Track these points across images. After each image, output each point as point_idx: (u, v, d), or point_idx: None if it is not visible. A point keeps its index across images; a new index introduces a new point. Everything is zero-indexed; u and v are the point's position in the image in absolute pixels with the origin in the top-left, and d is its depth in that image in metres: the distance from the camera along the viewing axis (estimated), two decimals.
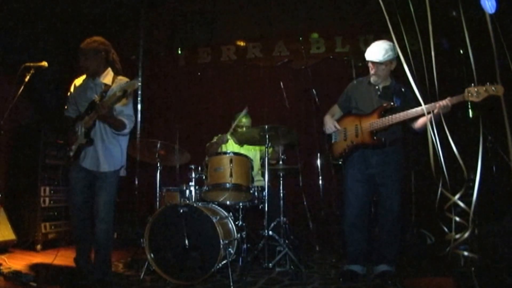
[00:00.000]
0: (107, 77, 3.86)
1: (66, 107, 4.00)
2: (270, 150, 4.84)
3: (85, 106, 3.76)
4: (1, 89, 5.52)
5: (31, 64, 3.87)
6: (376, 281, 3.92)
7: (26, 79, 3.84)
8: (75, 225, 3.80)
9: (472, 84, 3.46)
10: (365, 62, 4.24)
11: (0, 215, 5.25)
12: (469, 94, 3.47)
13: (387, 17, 2.51)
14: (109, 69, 3.92)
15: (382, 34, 5.79)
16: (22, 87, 3.83)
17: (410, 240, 5.02)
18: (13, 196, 5.76)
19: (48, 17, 6.17)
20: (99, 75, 3.86)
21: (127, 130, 3.78)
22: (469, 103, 4.72)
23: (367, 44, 5.92)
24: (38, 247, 5.45)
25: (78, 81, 3.97)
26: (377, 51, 4.06)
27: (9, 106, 3.77)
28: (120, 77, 3.88)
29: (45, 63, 3.91)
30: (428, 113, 3.66)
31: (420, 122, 3.95)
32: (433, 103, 3.65)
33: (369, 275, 4.09)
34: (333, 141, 4.33)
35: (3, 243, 5.11)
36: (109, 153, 3.76)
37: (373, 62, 4.12)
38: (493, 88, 3.41)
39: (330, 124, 4.32)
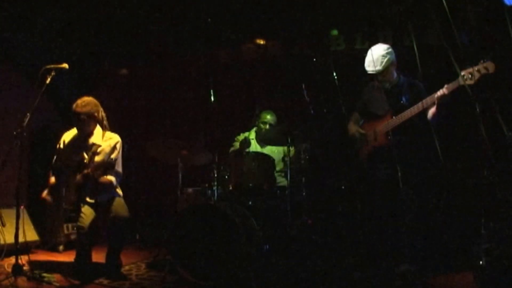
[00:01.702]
0: (97, 135, 4.22)
1: (54, 159, 4.34)
2: (292, 150, 4.81)
3: (75, 162, 4.10)
4: (23, 91, 5.58)
5: (52, 66, 3.90)
6: (398, 280, 3.88)
7: (47, 81, 3.87)
8: (84, 233, 4.09)
9: (469, 68, 3.47)
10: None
11: (23, 216, 5.26)
12: (464, 78, 3.46)
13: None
14: (98, 126, 4.25)
15: (400, 30, 5.75)
16: (43, 89, 3.85)
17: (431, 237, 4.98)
18: (35, 197, 5.79)
19: (69, 19, 6.18)
20: (91, 135, 4.20)
21: (113, 187, 4.16)
22: None
23: (387, 40, 5.93)
24: (61, 248, 5.46)
25: (68, 136, 4.33)
26: (373, 62, 4.09)
27: (31, 107, 3.79)
28: (108, 133, 4.27)
29: (65, 65, 3.94)
30: (430, 107, 3.85)
31: (429, 115, 3.98)
32: (431, 95, 3.76)
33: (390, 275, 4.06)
34: (357, 147, 4.44)
35: (26, 244, 5.13)
36: (111, 185, 4.14)
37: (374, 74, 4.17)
38: (484, 66, 3.42)
39: (353, 130, 4.46)
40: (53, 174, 4.32)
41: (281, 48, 6.67)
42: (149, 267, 4.62)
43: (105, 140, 4.21)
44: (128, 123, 6.94)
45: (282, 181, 5.21)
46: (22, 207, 5.16)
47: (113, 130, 4.35)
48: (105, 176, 4.05)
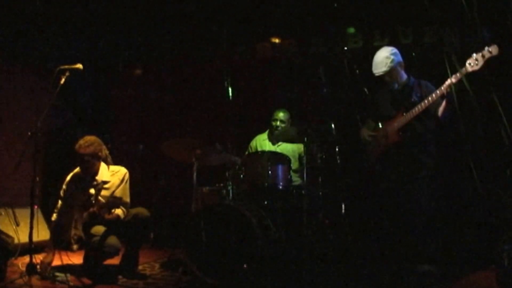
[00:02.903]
0: (104, 172, 4.21)
1: (56, 212, 4.32)
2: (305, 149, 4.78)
3: (82, 201, 4.04)
4: (37, 92, 5.60)
5: (66, 66, 3.88)
6: (418, 282, 3.85)
7: (62, 82, 3.86)
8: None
9: (474, 54, 3.52)
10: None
11: (36, 216, 5.27)
12: (470, 66, 3.51)
13: None
14: (102, 163, 4.23)
15: (422, 26, 5.68)
16: (57, 90, 3.84)
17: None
18: (49, 197, 5.81)
19: (83, 18, 6.20)
20: (97, 174, 4.17)
21: (120, 220, 4.08)
22: None
23: (406, 37, 5.88)
24: (75, 247, 5.45)
25: (71, 179, 4.30)
26: (378, 65, 4.22)
27: (46, 108, 3.79)
28: (112, 167, 4.29)
29: (80, 66, 3.92)
30: (440, 103, 3.89)
31: (439, 112, 4.00)
32: (439, 87, 3.81)
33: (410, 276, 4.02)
34: (369, 149, 4.50)
35: (40, 243, 5.14)
36: (118, 219, 4.07)
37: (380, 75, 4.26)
38: (489, 50, 3.43)
39: (364, 134, 4.55)
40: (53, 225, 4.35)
41: (296, 46, 6.61)
42: (163, 266, 4.62)
43: (113, 175, 4.23)
44: (143, 122, 6.95)
45: (297, 180, 5.17)
46: (36, 207, 5.19)
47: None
48: (112, 212, 4.03)
